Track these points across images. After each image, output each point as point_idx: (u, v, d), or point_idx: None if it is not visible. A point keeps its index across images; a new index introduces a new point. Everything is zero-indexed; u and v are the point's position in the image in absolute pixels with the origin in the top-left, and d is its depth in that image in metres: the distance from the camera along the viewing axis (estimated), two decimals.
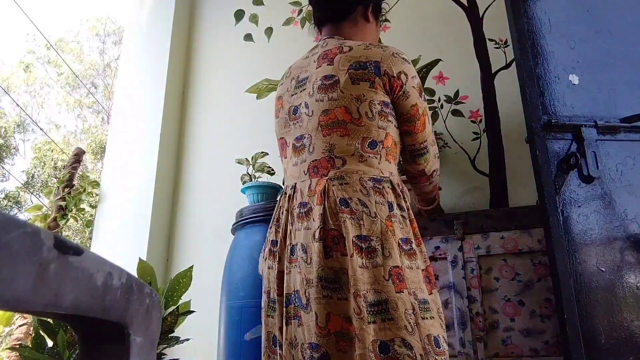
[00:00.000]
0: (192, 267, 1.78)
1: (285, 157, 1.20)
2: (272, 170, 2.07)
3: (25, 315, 2.42)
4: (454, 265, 1.56)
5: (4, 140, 12.21)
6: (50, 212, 2.84)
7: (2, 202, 11.18)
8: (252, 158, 2.07)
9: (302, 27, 2.61)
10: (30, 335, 2.11)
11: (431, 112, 2.11)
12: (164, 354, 1.72)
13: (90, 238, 2.74)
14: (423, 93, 1.19)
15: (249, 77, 2.51)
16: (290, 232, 1.08)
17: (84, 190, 2.88)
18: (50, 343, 1.56)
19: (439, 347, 0.97)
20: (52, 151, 11.70)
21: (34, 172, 11.56)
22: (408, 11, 2.41)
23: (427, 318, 0.98)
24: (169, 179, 2.69)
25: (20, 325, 2.52)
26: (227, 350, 1.66)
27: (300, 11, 2.64)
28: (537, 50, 1.45)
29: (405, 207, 1.09)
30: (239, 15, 2.80)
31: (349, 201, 1.02)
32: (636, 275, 1.32)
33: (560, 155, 1.37)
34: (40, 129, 13.06)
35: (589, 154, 1.35)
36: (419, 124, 1.16)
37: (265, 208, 1.78)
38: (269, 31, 2.70)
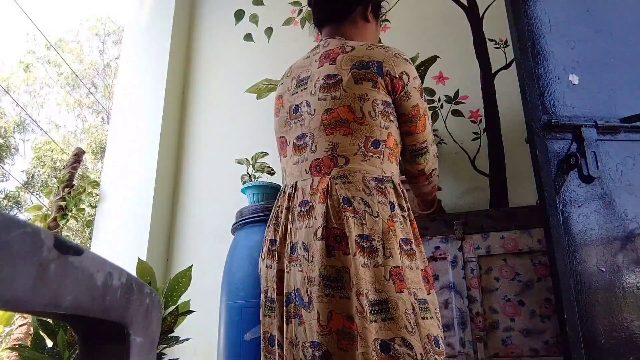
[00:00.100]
0: (191, 266, 1.78)
1: (285, 156, 1.20)
2: (272, 170, 2.07)
3: (25, 315, 2.42)
4: (454, 265, 1.56)
5: (3, 140, 12.21)
6: (50, 212, 2.84)
7: (2, 202, 11.18)
8: (252, 158, 2.07)
9: (302, 27, 2.61)
10: (30, 335, 2.11)
11: (431, 112, 2.11)
12: (164, 354, 1.72)
13: (90, 238, 2.74)
14: (423, 93, 1.20)
15: (249, 77, 2.51)
16: (290, 231, 1.08)
17: (84, 190, 2.89)
18: (50, 343, 1.56)
19: (439, 347, 0.98)
20: (52, 151, 11.70)
21: (34, 172, 11.56)
22: (408, 11, 2.41)
23: (426, 318, 0.99)
24: (169, 179, 2.69)
25: (20, 325, 2.52)
26: (227, 350, 1.66)
27: (300, 11, 2.64)
28: (537, 50, 1.45)
29: (406, 208, 1.10)
30: (239, 15, 2.80)
31: (352, 200, 1.02)
32: (636, 275, 1.32)
33: (560, 155, 1.37)
34: (41, 128, 13.07)
35: (589, 154, 1.35)
36: (420, 124, 1.17)
37: (265, 208, 1.78)
38: (269, 31, 2.70)
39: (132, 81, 2.96)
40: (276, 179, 2.05)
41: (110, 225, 2.63)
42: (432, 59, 2.00)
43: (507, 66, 2.15)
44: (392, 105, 1.12)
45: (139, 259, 1.79)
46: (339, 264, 0.98)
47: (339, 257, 0.98)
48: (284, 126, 1.21)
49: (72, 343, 1.51)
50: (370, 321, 0.93)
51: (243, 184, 2.01)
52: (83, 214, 2.94)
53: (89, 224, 3.10)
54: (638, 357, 1.23)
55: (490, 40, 2.21)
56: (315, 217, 1.03)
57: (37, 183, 11.46)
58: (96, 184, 2.90)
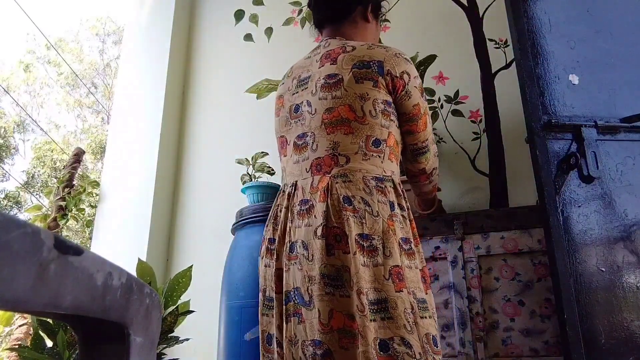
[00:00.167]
0: (191, 266, 1.78)
1: (285, 156, 1.20)
2: (272, 170, 2.07)
3: (25, 315, 2.42)
4: (454, 265, 1.56)
5: (3, 140, 12.21)
6: (50, 212, 2.84)
7: (2, 202, 11.18)
8: (252, 158, 2.07)
9: (302, 27, 2.61)
10: (30, 335, 2.11)
11: (431, 112, 2.11)
12: (164, 354, 1.72)
13: (90, 238, 2.74)
14: (424, 93, 1.21)
15: (249, 77, 2.51)
16: (290, 229, 1.08)
17: (84, 190, 2.89)
18: (50, 343, 1.56)
19: (437, 347, 0.99)
20: (52, 151, 11.70)
21: (34, 172, 11.56)
22: (408, 11, 2.41)
23: (425, 317, 1.00)
24: (169, 179, 2.69)
25: (20, 325, 2.52)
26: (227, 350, 1.66)
27: (300, 11, 2.64)
28: (537, 50, 1.45)
29: (405, 207, 1.10)
30: (239, 15, 2.80)
31: (352, 199, 1.02)
32: (636, 275, 1.32)
33: (560, 155, 1.37)
34: (41, 128, 13.07)
35: (589, 154, 1.35)
36: (421, 123, 1.18)
37: (265, 208, 1.78)
38: (269, 31, 2.70)
39: (132, 81, 2.96)
40: (276, 179, 2.05)
41: (110, 225, 2.63)
42: (431, 58, 2.00)
43: (507, 66, 2.15)
44: (392, 104, 1.13)
45: (139, 259, 1.79)
46: (339, 262, 0.98)
47: (339, 256, 0.98)
48: (285, 126, 1.21)
49: (72, 343, 1.51)
50: (370, 320, 0.94)
51: (243, 184, 2.01)
52: (83, 214, 2.94)
53: (89, 224, 3.10)
54: (638, 357, 1.23)
55: (490, 40, 2.21)
56: (315, 215, 1.03)
57: (37, 183, 11.46)
58: (96, 184, 2.90)
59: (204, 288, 2.05)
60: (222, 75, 2.84)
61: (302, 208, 1.07)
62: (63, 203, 2.79)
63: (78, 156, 3.01)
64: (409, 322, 0.94)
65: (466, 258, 1.56)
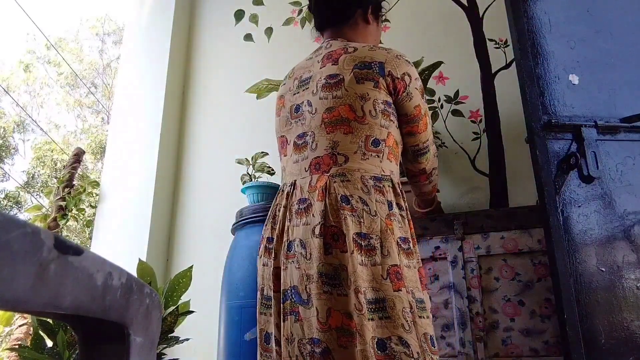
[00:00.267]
0: (191, 267, 1.78)
1: (285, 155, 1.21)
2: (272, 170, 2.07)
3: (25, 315, 2.42)
4: (454, 265, 1.56)
5: (2, 141, 12.21)
6: (50, 212, 2.84)
7: (2, 202, 11.17)
8: (252, 158, 2.07)
9: (302, 27, 2.61)
10: (30, 335, 2.11)
11: (431, 112, 2.11)
12: (164, 354, 1.72)
13: (90, 238, 2.74)
14: (424, 94, 1.22)
15: (249, 77, 2.51)
16: (288, 228, 1.08)
17: (84, 190, 2.88)
18: (50, 343, 1.56)
19: (434, 347, 1.00)
20: (52, 151, 11.70)
21: (34, 172, 11.56)
22: (408, 11, 2.41)
23: (423, 317, 1.01)
24: (169, 179, 2.69)
25: (20, 325, 2.52)
26: (227, 350, 1.66)
27: (300, 11, 2.64)
28: (537, 50, 1.45)
29: (404, 207, 1.11)
30: (239, 15, 2.80)
31: (350, 198, 1.03)
32: (636, 275, 1.32)
33: (560, 155, 1.37)
34: (41, 128, 13.06)
35: (589, 154, 1.35)
36: (422, 124, 1.19)
37: (265, 208, 1.78)
38: (269, 31, 2.70)
39: (132, 81, 2.96)
40: (276, 179, 2.05)
41: (110, 225, 2.63)
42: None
43: (507, 66, 2.15)
44: (392, 105, 1.13)
45: (139, 259, 1.79)
46: (336, 261, 0.98)
47: (337, 255, 0.99)
48: (285, 125, 1.22)
49: (72, 343, 1.51)
50: (368, 319, 0.94)
51: (243, 184, 2.01)
52: (83, 214, 2.94)
53: (89, 224, 3.10)
54: (638, 357, 1.23)
55: (490, 40, 2.21)
56: (313, 214, 1.04)
57: (37, 183, 11.46)
58: (96, 184, 2.90)
59: (204, 288, 2.05)
60: (222, 75, 2.84)
61: (301, 207, 1.07)
62: (63, 203, 2.79)
63: (78, 156, 3.01)
64: (407, 321, 0.95)
65: (466, 258, 1.56)
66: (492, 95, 2.14)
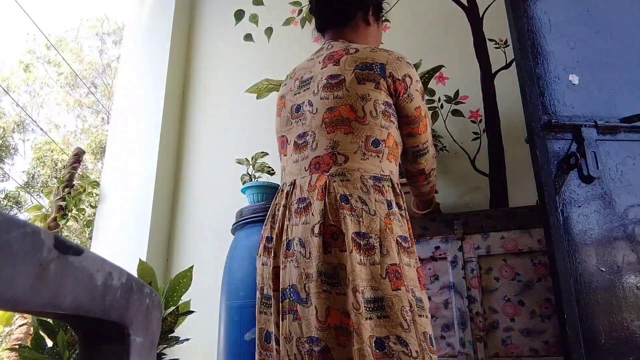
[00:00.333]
0: (192, 267, 1.78)
1: (285, 155, 1.21)
2: (272, 170, 2.07)
3: (25, 315, 2.42)
4: (454, 265, 1.56)
5: (2, 141, 12.21)
6: (50, 212, 2.84)
7: (2, 202, 11.17)
8: (252, 158, 2.07)
9: (302, 27, 2.61)
10: (30, 335, 2.11)
11: (431, 112, 2.11)
12: (164, 354, 1.72)
13: (90, 238, 2.74)
14: (424, 96, 1.24)
15: (249, 77, 2.51)
16: (287, 227, 1.08)
17: (84, 190, 2.88)
18: (50, 343, 1.56)
19: (433, 346, 1.00)
20: (52, 151, 11.70)
21: (34, 172, 11.55)
22: (408, 11, 2.41)
23: (423, 316, 1.01)
24: (169, 179, 2.69)
25: (20, 325, 2.52)
26: (227, 350, 1.66)
27: (300, 11, 2.64)
28: (537, 50, 1.45)
29: (403, 207, 1.12)
30: (239, 15, 2.80)
31: (350, 198, 1.03)
32: (636, 275, 1.32)
33: (560, 155, 1.37)
34: (41, 129, 13.06)
35: (589, 154, 1.35)
36: (422, 125, 1.20)
37: (265, 208, 1.78)
38: (269, 31, 2.70)
39: (132, 81, 2.96)
40: (276, 179, 2.05)
41: (110, 225, 2.63)
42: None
43: (507, 66, 2.15)
44: (392, 106, 1.14)
45: (140, 259, 1.79)
46: (335, 260, 0.99)
47: (335, 254, 0.99)
48: (285, 125, 1.22)
49: (72, 343, 1.51)
50: (366, 318, 0.94)
51: (243, 184, 2.01)
52: (83, 214, 2.94)
53: (89, 224, 3.10)
54: (638, 357, 1.23)
55: (490, 40, 2.21)
56: (312, 213, 1.04)
57: (37, 183, 11.46)
58: (96, 184, 2.90)
59: (204, 288, 2.05)
60: (222, 75, 2.84)
61: (300, 206, 1.07)
62: (63, 203, 2.79)
63: (78, 156, 3.01)
64: (406, 320, 0.95)
65: (466, 258, 1.56)
66: (492, 95, 2.14)
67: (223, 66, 2.85)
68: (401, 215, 1.09)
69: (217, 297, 1.80)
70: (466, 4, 2.31)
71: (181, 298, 1.75)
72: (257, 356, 1.12)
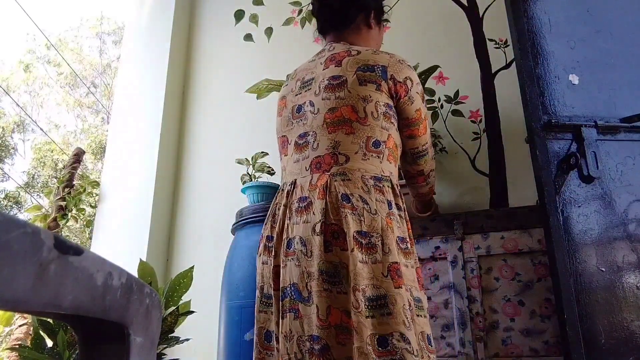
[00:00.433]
0: (192, 267, 1.78)
1: (286, 155, 1.21)
2: (272, 170, 2.07)
3: (25, 315, 2.42)
4: (454, 265, 1.56)
5: (1, 141, 12.21)
6: (50, 212, 2.84)
7: (2, 202, 11.17)
8: (252, 158, 2.07)
9: (302, 27, 2.60)
10: (30, 335, 2.11)
11: (431, 112, 2.11)
12: (164, 354, 1.72)
13: (90, 238, 2.74)
14: (424, 98, 1.25)
15: (249, 77, 2.51)
16: (288, 226, 1.09)
17: (84, 190, 2.88)
18: (50, 343, 1.56)
19: (431, 346, 1.01)
20: (52, 151, 11.70)
21: (34, 172, 11.55)
22: (408, 11, 2.41)
23: (421, 316, 1.02)
24: (169, 179, 2.69)
25: (20, 325, 2.52)
26: (227, 350, 1.66)
27: (300, 11, 2.64)
28: (537, 50, 1.45)
29: (402, 208, 1.12)
30: (239, 15, 2.80)
31: (351, 197, 1.03)
32: (636, 275, 1.32)
33: (560, 155, 1.37)
34: (40, 129, 13.06)
35: (589, 154, 1.35)
36: (422, 127, 1.21)
37: (265, 208, 1.78)
38: (269, 31, 2.70)
39: (132, 81, 2.96)
40: (276, 179, 2.05)
41: (110, 225, 2.63)
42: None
43: (507, 66, 2.15)
44: (393, 108, 1.15)
45: (140, 259, 1.79)
46: (336, 259, 0.99)
47: (337, 253, 1.00)
48: (286, 125, 1.23)
49: (72, 343, 1.51)
50: (367, 316, 0.95)
51: (243, 184, 2.01)
52: (83, 214, 2.94)
53: (89, 224, 3.10)
54: (638, 357, 1.23)
55: (490, 40, 2.21)
56: (313, 212, 1.04)
57: (38, 183, 11.46)
58: (96, 184, 2.90)
59: (204, 288, 2.05)
60: (222, 75, 2.84)
61: (301, 205, 1.08)
62: (63, 203, 2.79)
63: (78, 156, 3.01)
64: (407, 318, 0.96)
65: (466, 258, 1.56)
66: (492, 95, 2.14)
67: (223, 66, 2.85)
68: (400, 216, 1.09)
69: (217, 297, 1.80)
70: (466, 4, 2.31)
71: (181, 298, 1.75)
72: (255, 355, 1.12)
